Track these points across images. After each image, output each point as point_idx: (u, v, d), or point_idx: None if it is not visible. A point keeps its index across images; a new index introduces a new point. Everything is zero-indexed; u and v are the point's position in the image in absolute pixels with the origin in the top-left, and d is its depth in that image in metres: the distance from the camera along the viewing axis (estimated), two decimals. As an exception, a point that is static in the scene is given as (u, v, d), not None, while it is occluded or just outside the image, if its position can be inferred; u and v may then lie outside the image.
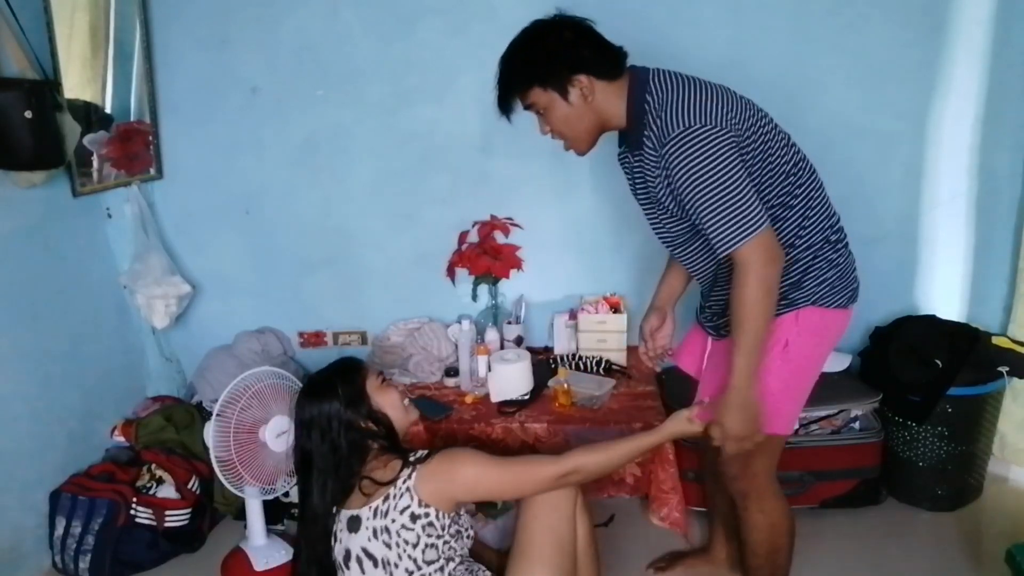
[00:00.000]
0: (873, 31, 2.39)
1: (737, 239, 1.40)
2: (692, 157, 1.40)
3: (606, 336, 2.51)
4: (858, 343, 2.61)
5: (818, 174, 1.61)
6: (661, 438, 1.64)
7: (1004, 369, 2.28)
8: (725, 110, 1.43)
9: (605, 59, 1.51)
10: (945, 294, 2.60)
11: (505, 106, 1.58)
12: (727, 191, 1.39)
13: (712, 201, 1.41)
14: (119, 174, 2.49)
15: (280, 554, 2.18)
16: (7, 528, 2.13)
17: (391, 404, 1.64)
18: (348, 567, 1.52)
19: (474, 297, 2.68)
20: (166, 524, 2.25)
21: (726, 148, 1.39)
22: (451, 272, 2.66)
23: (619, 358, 2.51)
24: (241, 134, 2.65)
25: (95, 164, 2.39)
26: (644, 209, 1.66)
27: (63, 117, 2.11)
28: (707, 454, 1.89)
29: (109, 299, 2.60)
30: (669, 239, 1.66)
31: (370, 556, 1.49)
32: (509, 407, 2.25)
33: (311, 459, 1.57)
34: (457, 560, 1.54)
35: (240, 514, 2.33)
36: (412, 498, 1.47)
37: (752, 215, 1.40)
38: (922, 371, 2.31)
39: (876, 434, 2.33)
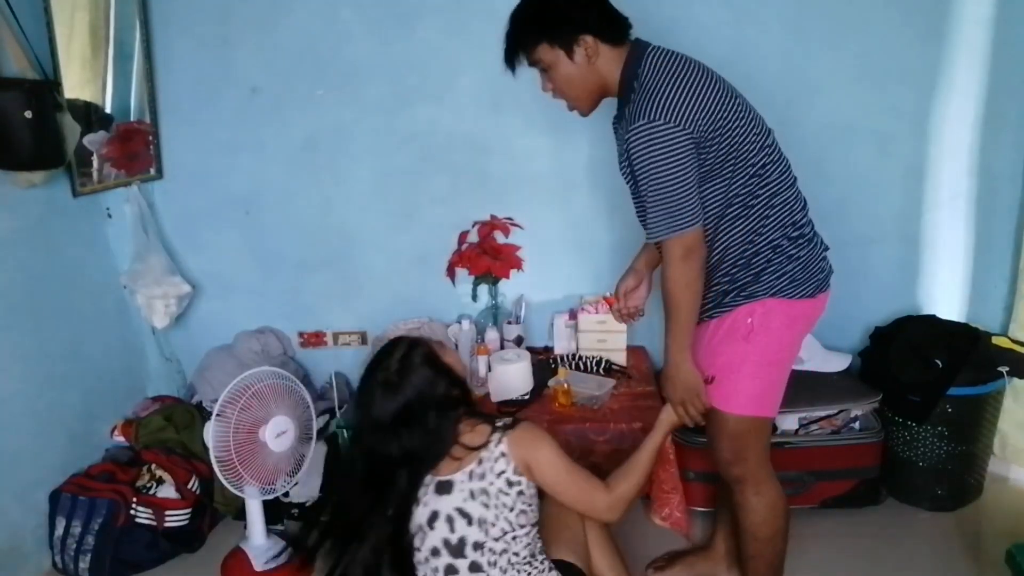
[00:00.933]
0: (873, 31, 2.39)
1: (664, 231, 1.54)
2: (648, 148, 1.49)
3: (606, 336, 2.51)
4: (858, 343, 2.62)
5: (791, 174, 1.67)
6: (662, 433, 1.70)
7: (1004, 369, 2.28)
8: (695, 109, 1.50)
9: (611, 24, 1.59)
10: (945, 294, 2.60)
11: (511, 60, 1.64)
12: (669, 187, 1.50)
13: (654, 192, 1.51)
14: (119, 174, 2.49)
15: (280, 554, 2.17)
16: (7, 528, 2.13)
17: (457, 362, 1.61)
18: (432, 527, 1.51)
19: (474, 297, 2.68)
20: (166, 524, 2.25)
21: (680, 148, 1.48)
22: (451, 272, 2.66)
23: (619, 358, 2.51)
24: (241, 134, 2.65)
25: (95, 164, 2.39)
26: (624, 179, 1.72)
27: (63, 117, 2.11)
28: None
29: (109, 299, 2.60)
30: (639, 212, 1.72)
31: (465, 515, 1.49)
32: (509, 407, 2.25)
33: (408, 452, 1.49)
34: (537, 528, 1.59)
35: (240, 514, 2.33)
36: (508, 464, 1.49)
37: (685, 214, 1.51)
38: (922, 371, 2.31)
39: (876, 434, 2.33)
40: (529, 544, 1.54)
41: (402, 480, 1.50)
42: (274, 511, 2.33)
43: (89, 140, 2.33)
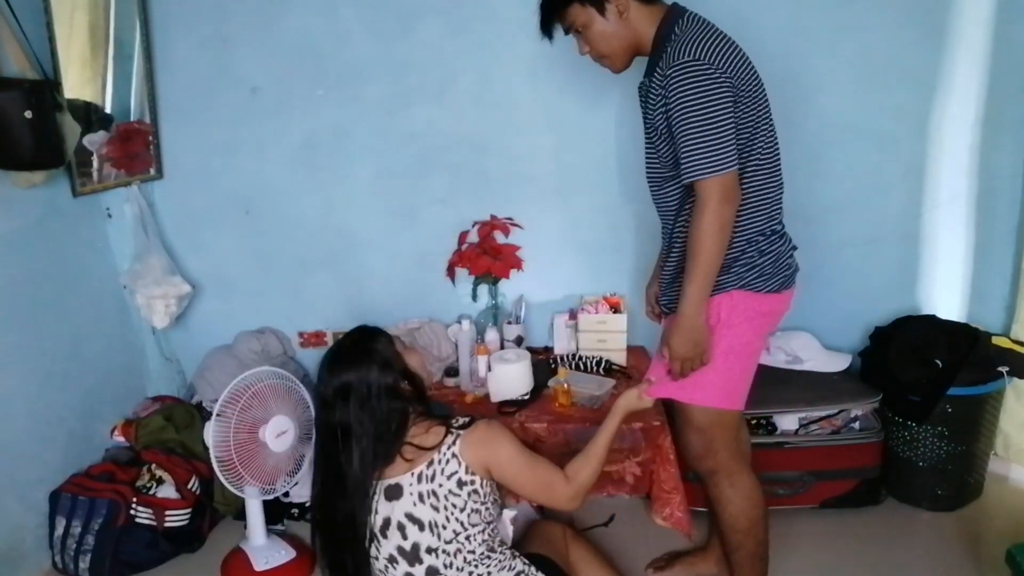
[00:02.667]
0: (873, 31, 2.39)
1: (703, 171, 1.50)
2: (690, 85, 1.49)
3: (606, 336, 2.51)
4: (858, 343, 2.62)
5: (780, 178, 1.68)
6: (618, 418, 1.70)
7: (1004, 369, 2.28)
8: (735, 62, 1.53)
9: None
10: (945, 294, 2.60)
11: (546, 27, 1.69)
12: (710, 125, 1.49)
13: (694, 130, 1.50)
14: (119, 174, 2.49)
15: (280, 554, 2.18)
16: (7, 528, 2.13)
17: (419, 365, 1.64)
18: (386, 535, 1.52)
19: (474, 297, 2.68)
20: (166, 524, 2.25)
21: (723, 89, 1.49)
22: (451, 272, 2.66)
23: (619, 358, 2.51)
24: (241, 134, 2.65)
25: (95, 164, 2.39)
26: (645, 141, 1.72)
27: (63, 117, 2.10)
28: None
29: (109, 299, 2.60)
30: (651, 176, 1.74)
31: (415, 520, 1.50)
32: (509, 407, 2.25)
33: (347, 431, 1.50)
34: (495, 523, 1.60)
35: (240, 514, 2.33)
36: (459, 464, 1.50)
37: (724, 154, 1.50)
38: (922, 371, 2.31)
39: (876, 434, 2.33)
40: (486, 540, 1.54)
41: (352, 463, 1.50)
42: (274, 511, 2.34)
43: (89, 140, 2.33)
